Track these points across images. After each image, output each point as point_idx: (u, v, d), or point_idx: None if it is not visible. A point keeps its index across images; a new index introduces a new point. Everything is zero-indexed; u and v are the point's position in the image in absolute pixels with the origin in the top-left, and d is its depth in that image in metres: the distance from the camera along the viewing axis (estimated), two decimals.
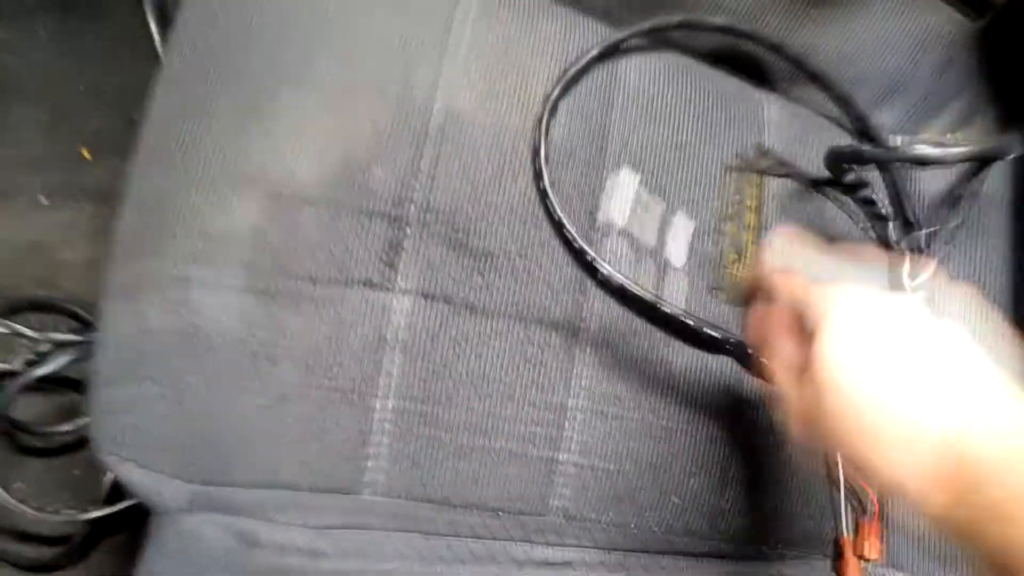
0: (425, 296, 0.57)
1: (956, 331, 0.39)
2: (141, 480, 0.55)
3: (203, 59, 0.59)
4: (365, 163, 0.57)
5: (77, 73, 0.92)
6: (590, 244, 0.58)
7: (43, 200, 0.92)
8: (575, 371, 0.58)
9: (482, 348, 0.57)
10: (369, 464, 0.55)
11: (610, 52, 0.62)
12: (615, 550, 0.60)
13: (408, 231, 0.57)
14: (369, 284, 0.56)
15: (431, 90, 0.59)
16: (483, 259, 0.57)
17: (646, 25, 0.63)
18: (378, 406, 0.55)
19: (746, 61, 0.68)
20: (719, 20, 0.65)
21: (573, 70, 0.60)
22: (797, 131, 0.67)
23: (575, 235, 0.57)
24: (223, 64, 0.59)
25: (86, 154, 0.93)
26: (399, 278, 0.56)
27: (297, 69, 0.58)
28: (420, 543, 0.57)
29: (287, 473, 0.55)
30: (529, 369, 0.58)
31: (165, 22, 0.82)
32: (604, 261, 0.57)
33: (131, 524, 0.85)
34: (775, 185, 0.64)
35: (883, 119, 0.69)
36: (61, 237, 0.91)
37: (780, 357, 0.44)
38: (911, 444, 0.37)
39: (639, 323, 0.59)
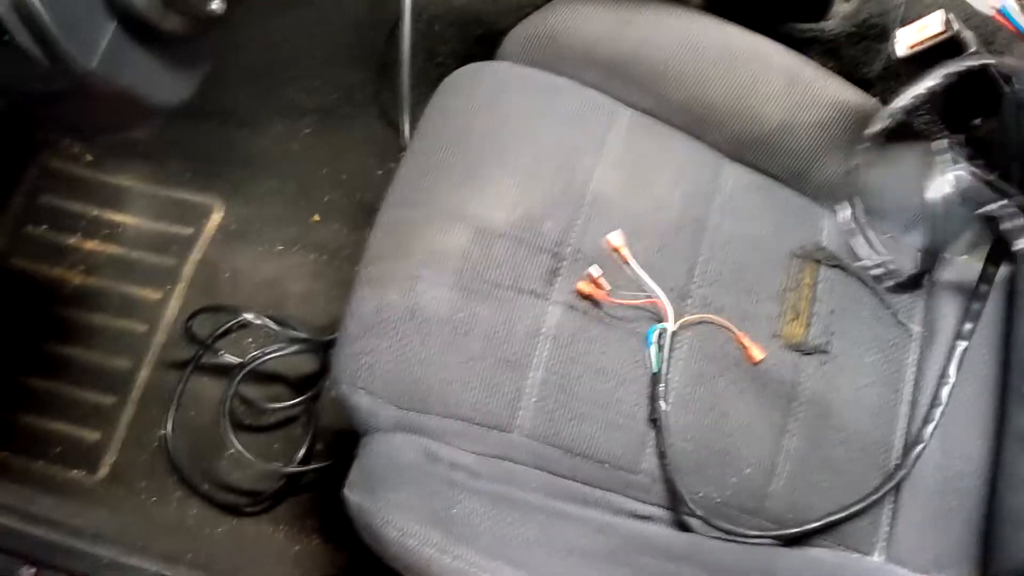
0: (570, 307, 0.82)
1: None
2: (367, 404, 0.80)
3: (440, 139, 0.90)
4: (540, 216, 0.85)
5: (322, 160, 1.25)
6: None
7: (279, 247, 1.24)
8: (670, 375, 0.82)
9: (605, 347, 0.82)
10: (520, 413, 0.80)
11: None
12: (684, 513, 0.82)
13: (563, 263, 0.84)
14: (534, 294, 0.82)
15: (588, 177, 0.87)
16: (612, 288, 0.83)
17: None
18: (530, 375, 0.80)
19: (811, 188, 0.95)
20: None
21: None
22: (845, 238, 0.92)
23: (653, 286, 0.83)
24: (454, 144, 0.89)
25: (316, 218, 1.26)
26: (554, 293, 0.83)
27: (503, 153, 0.88)
28: (548, 480, 0.81)
29: (464, 410, 0.79)
30: (634, 366, 0.82)
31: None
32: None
33: (309, 489, 1.10)
34: (826, 271, 0.89)
35: (913, 240, 0.94)
36: (289, 275, 1.22)
37: None
38: None
39: (727, 347, 0.83)
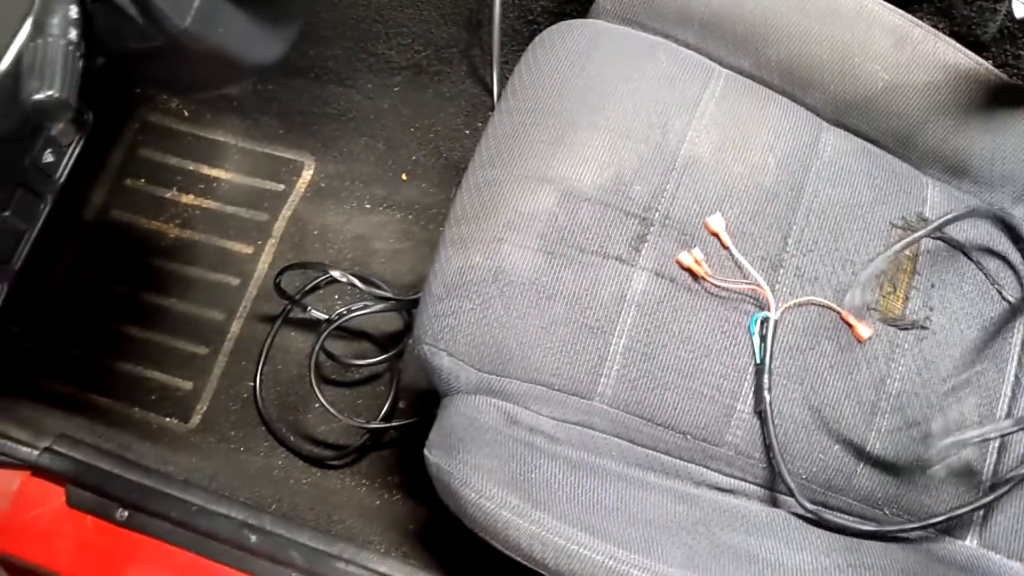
0: (657, 274, 0.81)
1: None
2: (448, 366, 0.81)
3: (529, 98, 0.88)
4: (629, 180, 0.83)
5: (412, 118, 1.25)
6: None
7: (367, 205, 1.25)
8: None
9: (692, 316, 0.80)
10: (602, 380, 0.79)
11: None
12: (768, 488, 0.80)
13: (651, 229, 0.82)
14: (620, 259, 0.81)
15: (680, 139, 0.85)
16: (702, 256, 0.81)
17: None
18: (614, 342, 0.79)
19: (916, 155, 0.90)
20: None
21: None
22: (952, 209, 0.87)
23: (756, 275, 0.81)
24: (543, 104, 0.87)
25: (404, 177, 1.26)
26: (641, 259, 0.81)
27: (592, 114, 0.86)
28: (627, 448, 0.80)
29: (546, 375, 0.79)
30: (723, 337, 0.80)
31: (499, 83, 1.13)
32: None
33: (393, 445, 1.12)
34: (929, 243, 0.85)
35: None
36: (376, 233, 1.23)
37: None
38: None
39: (820, 321, 0.80)
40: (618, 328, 0.80)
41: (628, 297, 0.80)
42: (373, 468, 1.11)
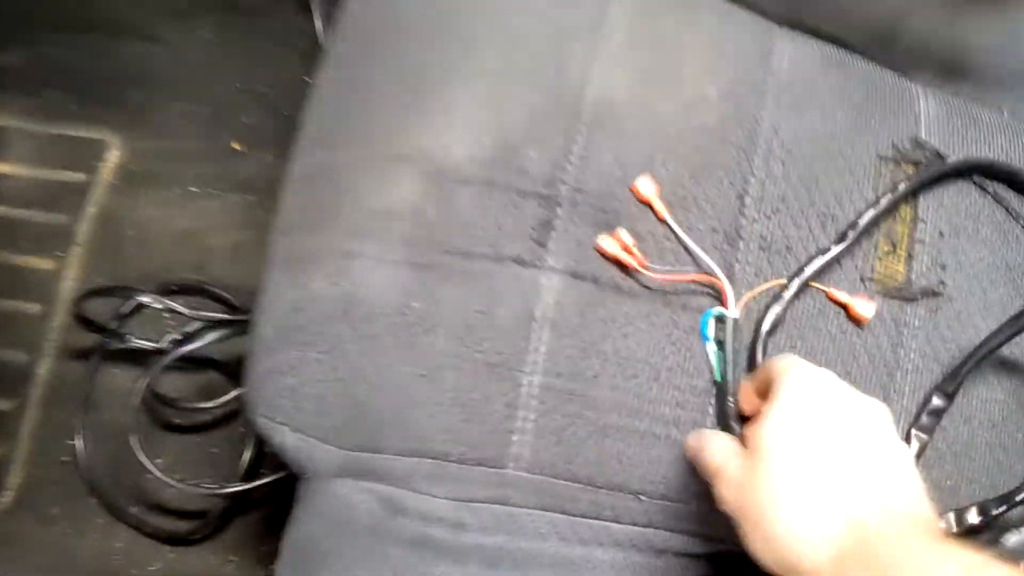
0: (574, 275, 0.58)
1: (883, 414, 0.46)
2: (294, 445, 0.57)
3: (367, 43, 0.63)
4: (519, 145, 0.59)
5: (234, 71, 1.01)
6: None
7: (194, 189, 0.99)
8: None
9: (629, 329, 0.57)
10: (515, 439, 0.56)
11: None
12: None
13: (559, 211, 0.58)
14: (520, 261, 0.57)
15: (584, 77, 0.61)
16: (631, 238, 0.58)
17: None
18: (525, 381, 0.56)
19: (900, 55, 0.68)
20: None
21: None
22: (956, 125, 0.66)
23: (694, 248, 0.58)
24: (386, 48, 0.62)
25: (237, 147, 1.00)
26: (549, 257, 0.58)
27: (456, 55, 0.61)
28: (561, 522, 0.57)
29: (436, 443, 0.56)
30: (675, 352, 0.58)
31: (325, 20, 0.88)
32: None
33: (266, 502, 0.88)
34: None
35: None
36: (210, 224, 0.97)
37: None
38: (819, 522, 0.42)
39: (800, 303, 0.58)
40: (529, 360, 0.56)
41: (538, 314, 0.57)
42: (242, 537, 0.86)
